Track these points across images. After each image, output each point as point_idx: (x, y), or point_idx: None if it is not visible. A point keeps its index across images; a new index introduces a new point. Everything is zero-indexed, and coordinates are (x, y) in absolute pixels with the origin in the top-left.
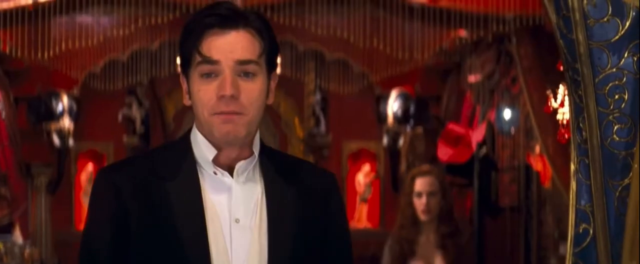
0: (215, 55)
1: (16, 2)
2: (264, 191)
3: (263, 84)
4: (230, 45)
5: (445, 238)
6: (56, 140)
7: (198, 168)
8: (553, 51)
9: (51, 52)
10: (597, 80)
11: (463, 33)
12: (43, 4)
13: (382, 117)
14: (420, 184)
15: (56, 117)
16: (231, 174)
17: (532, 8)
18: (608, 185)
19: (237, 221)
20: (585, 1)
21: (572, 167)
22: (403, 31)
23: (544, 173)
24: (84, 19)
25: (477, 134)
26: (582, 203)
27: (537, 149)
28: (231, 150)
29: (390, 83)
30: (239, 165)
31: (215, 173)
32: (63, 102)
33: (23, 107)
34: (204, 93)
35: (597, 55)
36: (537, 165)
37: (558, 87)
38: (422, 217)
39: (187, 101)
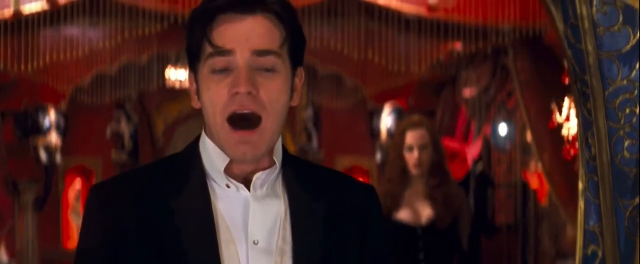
0: (228, 44)
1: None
2: (287, 208)
3: (286, 81)
4: (246, 33)
5: (434, 189)
6: (43, 156)
7: (208, 181)
8: (551, 64)
9: (36, 64)
10: (607, 93)
11: (458, 46)
12: (27, 15)
13: (375, 132)
14: (411, 137)
15: (43, 132)
16: (248, 187)
17: (533, 18)
18: (618, 204)
19: (255, 243)
20: (594, 8)
21: (580, 185)
22: (398, 43)
23: (541, 190)
24: (70, 30)
25: (473, 150)
26: (591, 223)
27: (534, 165)
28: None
29: (384, 97)
30: (257, 176)
31: (228, 186)
32: (50, 117)
33: (9, 122)
34: (215, 91)
35: (607, 67)
36: (533, 181)
37: (560, 101)
38: (413, 171)
39: (196, 103)
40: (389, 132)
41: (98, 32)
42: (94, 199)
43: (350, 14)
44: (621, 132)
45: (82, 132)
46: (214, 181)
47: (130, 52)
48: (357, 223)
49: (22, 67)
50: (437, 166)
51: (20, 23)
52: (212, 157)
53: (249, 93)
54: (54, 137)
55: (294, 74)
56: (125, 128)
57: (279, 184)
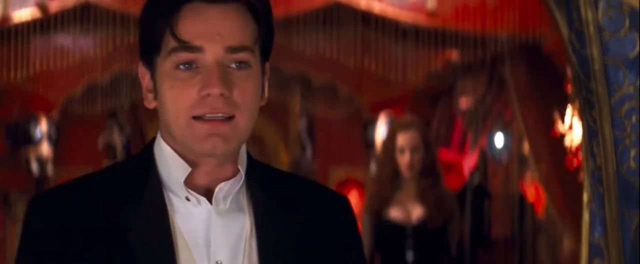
0: (197, 39)
1: None
2: (253, 223)
3: (258, 77)
4: (217, 26)
5: (425, 190)
6: (35, 167)
7: (165, 192)
8: (549, 73)
9: (26, 73)
10: (613, 100)
11: (454, 56)
12: (17, 23)
13: (370, 143)
14: (402, 139)
15: (35, 142)
16: (210, 200)
17: (532, 26)
18: (624, 216)
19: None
20: (600, 12)
21: (585, 197)
22: (394, 52)
23: (538, 202)
24: (61, 38)
25: (469, 162)
26: (596, 235)
27: (531, 176)
28: (210, 167)
29: (379, 108)
30: (220, 188)
31: (188, 199)
32: (42, 127)
33: (0, 132)
34: (180, 91)
35: (612, 73)
36: (530, 193)
37: (561, 110)
38: (405, 173)
39: (150, 103)
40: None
41: (89, 41)
42: (34, 212)
43: (346, 22)
44: (627, 142)
45: (74, 143)
46: (172, 193)
47: (122, 60)
48: (330, 238)
49: (12, 75)
50: (429, 167)
51: (9, 31)
52: (170, 165)
53: (222, 94)
54: (45, 148)
55: (263, 72)
56: (117, 138)
57: (243, 196)
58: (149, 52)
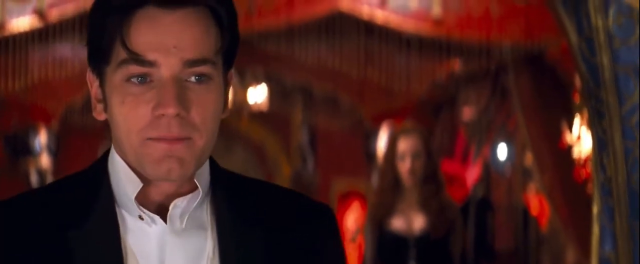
0: (150, 52)
1: None
2: (216, 243)
3: (219, 90)
4: (174, 37)
5: (427, 199)
6: (34, 179)
7: (117, 209)
8: (553, 83)
9: (24, 82)
10: (623, 110)
11: (457, 66)
12: (16, 33)
13: (372, 155)
14: (403, 145)
15: (34, 154)
16: (164, 218)
17: (538, 35)
18: (635, 229)
19: None
20: (610, 19)
21: (595, 209)
22: (397, 62)
23: (541, 212)
24: (60, 48)
25: (473, 173)
26: (606, 248)
27: (534, 187)
28: (164, 183)
29: (381, 119)
30: (175, 205)
31: (141, 218)
32: (41, 138)
33: (0, 143)
34: (131, 108)
35: (623, 82)
36: (534, 204)
37: (567, 120)
38: (407, 181)
39: (100, 114)
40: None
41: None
42: None
43: (348, 32)
44: (637, 153)
45: (74, 154)
46: (125, 210)
47: None
48: (308, 255)
49: (10, 85)
50: (430, 175)
51: (8, 40)
52: (122, 181)
53: (178, 115)
54: (45, 159)
55: (226, 81)
56: None
57: (206, 211)
58: (97, 59)
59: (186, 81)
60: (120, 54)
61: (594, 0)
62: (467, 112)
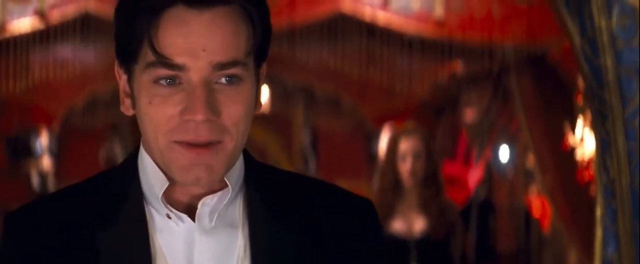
0: (179, 55)
1: None
2: (247, 241)
3: (252, 90)
4: (203, 38)
5: (427, 200)
6: (35, 181)
7: (147, 208)
8: (555, 85)
9: (25, 84)
10: (626, 112)
11: (459, 67)
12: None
13: (374, 156)
14: (404, 145)
15: (35, 156)
16: (193, 216)
17: (540, 36)
18: (637, 231)
19: None
20: (613, 21)
21: (598, 211)
22: (399, 63)
23: (544, 214)
24: (60, 49)
25: (475, 175)
26: (609, 251)
27: (536, 189)
28: None
29: (382, 119)
30: (204, 203)
31: (168, 217)
32: (42, 140)
33: (1, 145)
34: (159, 110)
35: (626, 83)
36: (536, 206)
37: (569, 122)
38: (407, 182)
39: (128, 109)
40: None
41: (90, 52)
42: (9, 231)
43: (350, 33)
44: None
45: (75, 155)
46: (154, 208)
47: None
48: (346, 252)
49: (11, 86)
50: (430, 176)
51: (9, 42)
52: (150, 179)
53: (207, 120)
54: (46, 161)
55: (257, 77)
56: (119, 152)
57: (237, 208)
58: (125, 57)
59: (216, 83)
60: (148, 55)
61: (597, 1)
62: (469, 114)
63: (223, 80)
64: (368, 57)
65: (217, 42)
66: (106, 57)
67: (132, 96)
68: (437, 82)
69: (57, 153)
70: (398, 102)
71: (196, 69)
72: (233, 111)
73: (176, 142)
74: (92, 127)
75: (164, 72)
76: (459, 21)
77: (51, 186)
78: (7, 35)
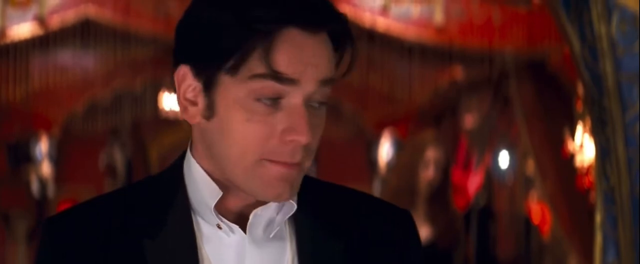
0: (293, 71)
1: None
2: (296, 253)
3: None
4: (313, 57)
5: (437, 213)
6: (35, 186)
7: (194, 217)
8: (555, 90)
9: (25, 90)
10: (626, 118)
11: (459, 73)
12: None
13: (374, 162)
14: (432, 154)
15: (35, 161)
16: (244, 228)
17: (540, 43)
18: (638, 238)
19: None
20: (613, 27)
21: (598, 218)
22: (399, 70)
23: (544, 221)
24: (60, 55)
25: (475, 182)
26: (609, 258)
27: (536, 195)
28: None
29: (382, 126)
30: (257, 214)
31: (219, 227)
32: (42, 146)
33: (1, 151)
34: (258, 128)
35: (626, 90)
36: (536, 213)
37: (570, 129)
38: (423, 189)
39: (193, 118)
40: (388, 165)
41: (90, 57)
42: (48, 237)
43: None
44: None
45: (75, 161)
46: (201, 218)
47: (123, 77)
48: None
49: (11, 92)
50: (442, 189)
51: (8, 48)
52: (200, 188)
53: (308, 144)
54: (46, 167)
55: None
56: (119, 158)
57: (285, 221)
58: (210, 64)
59: (311, 106)
60: (254, 67)
61: (597, 7)
62: (469, 120)
63: (315, 104)
64: (368, 63)
65: (324, 62)
66: (106, 63)
67: (210, 108)
68: (437, 89)
69: (57, 159)
70: (398, 108)
71: (305, 85)
72: (318, 133)
73: (268, 160)
74: (92, 133)
75: (271, 86)
76: (459, 27)
77: (51, 192)
78: (7, 41)
